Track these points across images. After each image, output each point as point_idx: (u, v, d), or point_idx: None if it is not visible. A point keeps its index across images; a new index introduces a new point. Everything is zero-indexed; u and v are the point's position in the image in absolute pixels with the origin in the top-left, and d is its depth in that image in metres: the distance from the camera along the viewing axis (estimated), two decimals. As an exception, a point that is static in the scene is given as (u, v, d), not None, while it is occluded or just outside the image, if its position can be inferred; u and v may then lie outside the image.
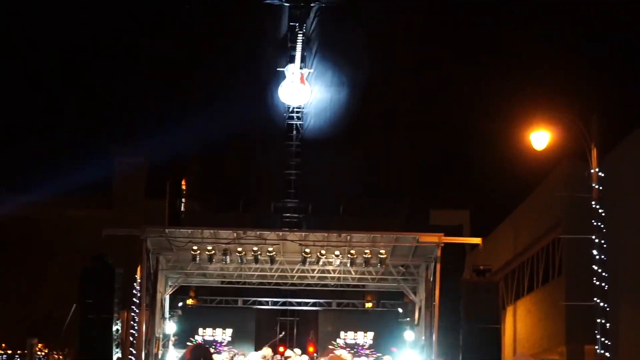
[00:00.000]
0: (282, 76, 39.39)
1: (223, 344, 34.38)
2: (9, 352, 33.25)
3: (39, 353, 34.18)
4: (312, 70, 39.72)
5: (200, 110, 42.83)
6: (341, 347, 34.74)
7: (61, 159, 47.22)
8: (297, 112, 40.01)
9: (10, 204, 38.93)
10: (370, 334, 35.88)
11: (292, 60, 39.26)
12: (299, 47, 38.98)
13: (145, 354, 29.23)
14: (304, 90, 38.91)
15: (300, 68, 38.94)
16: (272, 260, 30.59)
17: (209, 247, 29.69)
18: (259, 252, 29.84)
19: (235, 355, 32.25)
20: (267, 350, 32.19)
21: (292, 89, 38.75)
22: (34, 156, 47.49)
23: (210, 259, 30.04)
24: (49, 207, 40.46)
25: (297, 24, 39.59)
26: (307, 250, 29.83)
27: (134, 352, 29.94)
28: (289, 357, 32.07)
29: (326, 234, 29.99)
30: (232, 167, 41.09)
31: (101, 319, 25.03)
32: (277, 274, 33.06)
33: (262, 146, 40.90)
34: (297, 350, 33.01)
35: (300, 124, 39.80)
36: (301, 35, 39.01)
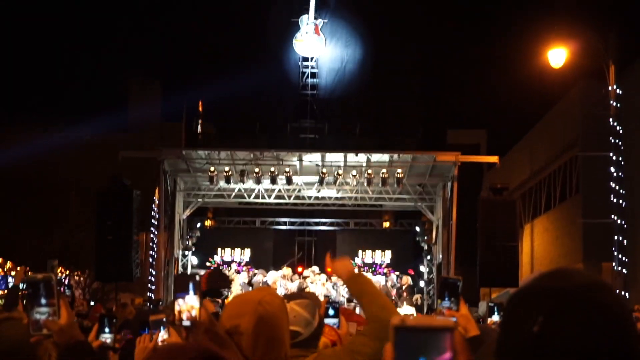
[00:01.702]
0: (296, 27, 38.91)
1: (242, 264, 34.59)
2: (30, 273, 33.55)
3: (59, 274, 34.49)
4: (326, 21, 39.29)
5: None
6: (359, 267, 34.92)
7: (76, 84, 47.27)
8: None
9: (29, 136, 39.05)
10: (388, 253, 36.03)
11: (306, 10, 38.70)
12: None
13: (164, 274, 29.51)
14: (319, 40, 38.53)
15: (315, 18, 38.50)
16: (289, 181, 30.67)
17: (226, 168, 29.77)
18: (276, 173, 29.91)
19: (254, 275, 32.47)
20: (286, 270, 32.40)
21: (306, 39, 38.35)
22: (49, 81, 47.53)
23: (227, 180, 30.14)
24: (66, 132, 40.57)
25: None
26: (324, 170, 29.90)
27: (154, 272, 30.21)
28: (307, 276, 32.28)
29: (343, 154, 30.02)
30: (247, 90, 41.02)
31: (120, 240, 25.13)
32: (294, 194, 33.17)
33: (277, 82, 40.72)
34: (315, 269, 33.20)
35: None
36: None
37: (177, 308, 3.69)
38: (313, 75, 39.60)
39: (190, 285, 3.70)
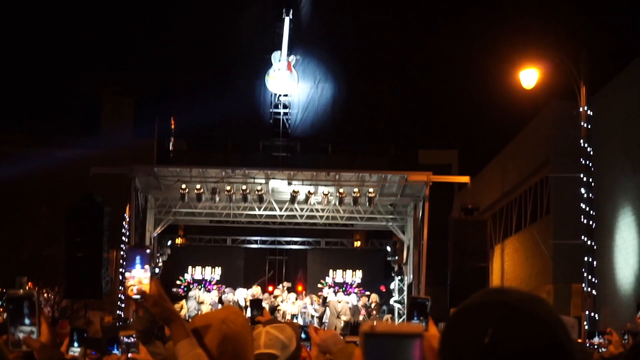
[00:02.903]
0: (268, 63, 39.03)
1: (212, 283, 34.50)
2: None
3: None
4: (299, 58, 39.41)
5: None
6: (330, 286, 34.90)
7: (49, 99, 47.10)
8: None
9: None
10: (359, 273, 36.02)
11: (279, 47, 38.82)
12: (285, 33, 38.62)
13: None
14: (291, 77, 38.60)
15: (288, 55, 38.60)
16: (261, 199, 30.63)
17: (198, 186, 29.72)
18: (248, 191, 29.87)
19: (224, 293, 32.39)
20: (256, 289, 32.35)
21: (279, 76, 38.39)
22: (23, 96, 47.32)
23: (198, 197, 30.07)
24: (38, 148, 40.33)
25: (284, 10, 39.00)
26: (296, 189, 29.88)
27: (124, 290, 29.99)
28: (278, 295, 32.26)
29: (315, 173, 30.03)
30: (219, 108, 41.08)
31: (90, 257, 24.97)
32: (265, 212, 33.11)
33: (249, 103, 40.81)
34: (286, 284, 33.18)
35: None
36: (288, 21, 38.68)
37: (126, 282, 3.72)
38: (286, 94, 39.70)
39: (138, 259, 3.72)
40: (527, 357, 2.08)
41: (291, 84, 38.72)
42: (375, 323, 1.79)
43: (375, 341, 1.78)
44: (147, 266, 3.75)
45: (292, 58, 38.69)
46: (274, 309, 30.33)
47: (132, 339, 5.41)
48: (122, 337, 5.36)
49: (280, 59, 38.23)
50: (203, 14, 42.46)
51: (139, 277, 3.72)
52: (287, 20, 38.65)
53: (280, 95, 39.68)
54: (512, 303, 2.16)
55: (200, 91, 41.76)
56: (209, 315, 4.18)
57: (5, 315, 3.99)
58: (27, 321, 3.94)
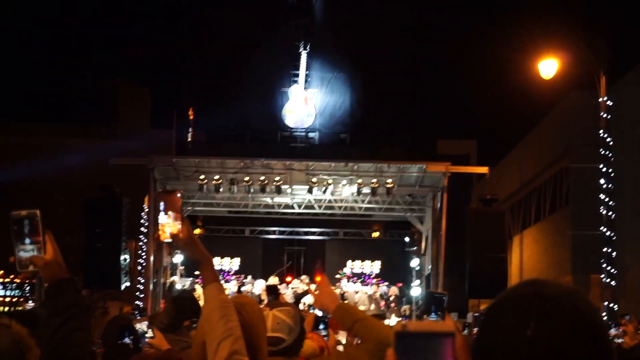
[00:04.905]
0: (285, 97, 39.12)
1: (231, 273, 34.54)
2: (17, 280, 33.37)
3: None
4: (316, 90, 39.45)
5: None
6: (348, 277, 34.90)
7: (66, 89, 47.21)
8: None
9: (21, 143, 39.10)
10: (377, 263, 35.99)
11: (295, 81, 38.87)
12: (302, 68, 38.62)
13: (153, 283, 29.40)
14: (309, 111, 38.64)
15: (305, 89, 38.62)
16: (279, 190, 30.61)
17: (216, 177, 29.69)
18: (266, 182, 29.84)
19: (243, 284, 32.42)
20: (274, 280, 32.35)
21: (296, 111, 38.44)
22: (40, 87, 47.42)
23: (217, 188, 30.04)
24: (54, 138, 40.45)
25: (301, 44, 38.90)
26: (314, 179, 29.84)
27: (142, 281, 30.10)
28: (296, 288, 32.25)
29: (333, 164, 29.98)
30: (238, 99, 41.10)
31: (109, 248, 25.02)
32: (284, 203, 33.11)
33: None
34: (304, 278, 33.16)
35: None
36: (305, 55, 38.65)
37: (158, 228, 3.77)
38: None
39: (161, 205, 3.77)
40: (570, 351, 2.08)
41: (308, 118, 38.82)
42: (406, 322, 1.80)
43: (408, 340, 1.79)
44: (169, 211, 3.79)
45: (310, 92, 38.78)
46: (298, 298, 30.25)
47: (145, 327, 5.43)
48: (136, 325, 5.38)
49: (297, 93, 38.40)
50: (225, 20, 42.59)
51: (161, 222, 3.77)
52: (304, 54, 38.61)
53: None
54: (553, 296, 2.15)
55: (218, 80, 41.77)
56: None
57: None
58: (31, 241, 3.98)
